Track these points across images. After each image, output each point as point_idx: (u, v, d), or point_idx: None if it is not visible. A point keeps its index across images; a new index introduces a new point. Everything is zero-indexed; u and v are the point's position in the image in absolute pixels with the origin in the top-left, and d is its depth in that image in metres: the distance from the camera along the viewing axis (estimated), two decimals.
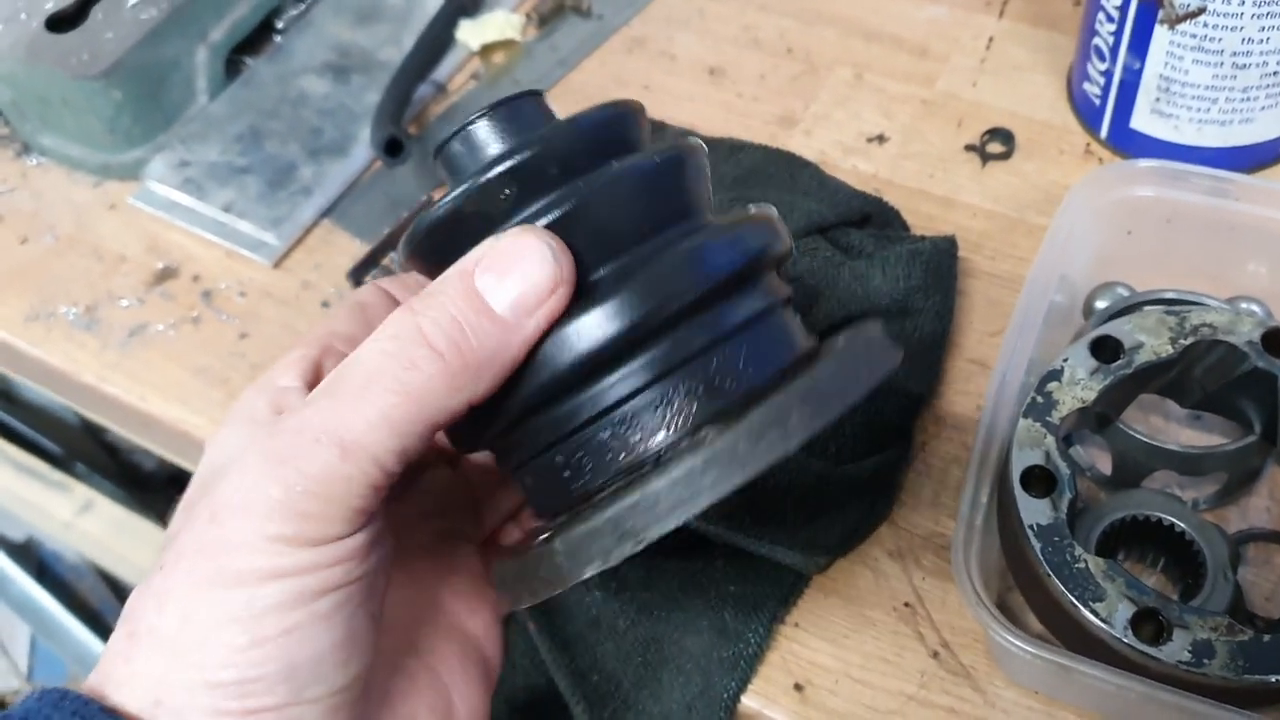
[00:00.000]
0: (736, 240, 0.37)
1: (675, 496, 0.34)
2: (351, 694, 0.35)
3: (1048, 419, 0.50)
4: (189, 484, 0.39)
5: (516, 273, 0.34)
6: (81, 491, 1.39)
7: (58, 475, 1.41)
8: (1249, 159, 0.67)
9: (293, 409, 0.35)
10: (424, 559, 0.44)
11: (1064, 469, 0.49)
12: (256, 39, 0.81)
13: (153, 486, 1.45)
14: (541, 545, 0.36)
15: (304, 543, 0.33)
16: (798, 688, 0.53)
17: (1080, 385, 0.50)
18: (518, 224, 0.36)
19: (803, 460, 0.58)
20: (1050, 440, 0.49)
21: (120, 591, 1.49)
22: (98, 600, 1.52)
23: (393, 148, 0.70)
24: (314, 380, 0.40)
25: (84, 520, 1.37)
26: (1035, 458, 0.49)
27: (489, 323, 0.34)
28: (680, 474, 0.34)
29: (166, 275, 0.72)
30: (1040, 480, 0.49)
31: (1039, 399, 0.50)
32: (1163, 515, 0.51)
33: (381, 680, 0.39)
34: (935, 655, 0.53)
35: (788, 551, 0.54)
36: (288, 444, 0.33)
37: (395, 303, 0.45)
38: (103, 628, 1.43)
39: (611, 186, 0.36)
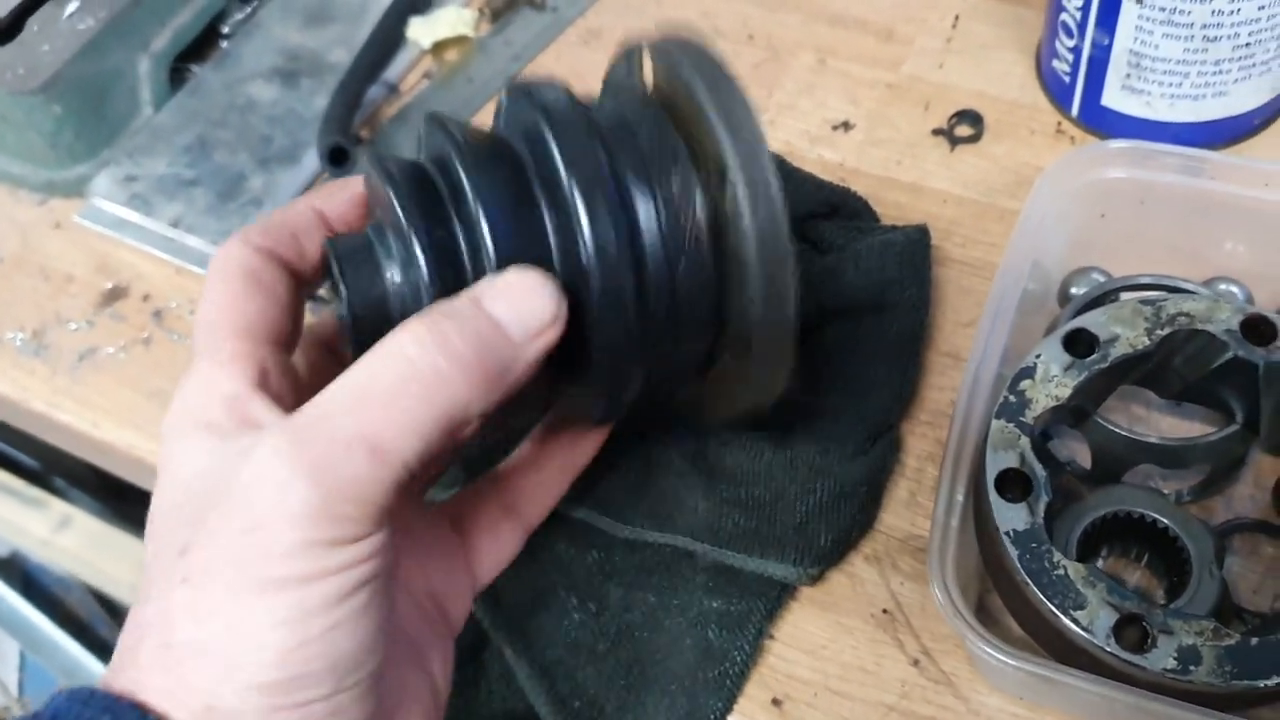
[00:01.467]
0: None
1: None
2: (379, 672, 0.38)
3: (1021, 419, 0.48)
4: (161, 505, 0.39)
5: (526, 304, 0.38)
6: (59, 507, 1.37)
7: (34, 491, 1.39)
8: (1224, 133, 0.65)
9: (313, 411, 0.36)
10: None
11: (1040, 471, 0.47)
12: (202, 45, 0.78)
13: (133, 498, 1.43)
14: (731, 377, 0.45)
15: (342, 543, 0.35)
16: (775, 703, 0.52)
17: (1054, 382, 0.49)
18: None
19: (788, 458, 0.55)
20: (1025, 441, 0.47)
21: (108, 604, 1.47)
22: (86, 613, 1.50)
23: (337, 156, 0.68)
24: (263, 382, 0.40)
25: (62, 537, 1.35)
26: (1010, 460, 0.47)
27: (504, 342, 0.38)
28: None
29: (116, 295, 0.70)
30: (1015, 483, 0.47)
31: (1011, 398, 0.48)
32: (1145, 511, 0.49)
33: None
34: (916, 663, 0.52)
35: (779, 565, 0.52)
36: (322, 452, 0.35)
37: (283, 266, 0.44)
38: (93, 640, 1.42)
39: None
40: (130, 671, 0.36)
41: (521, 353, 0.38)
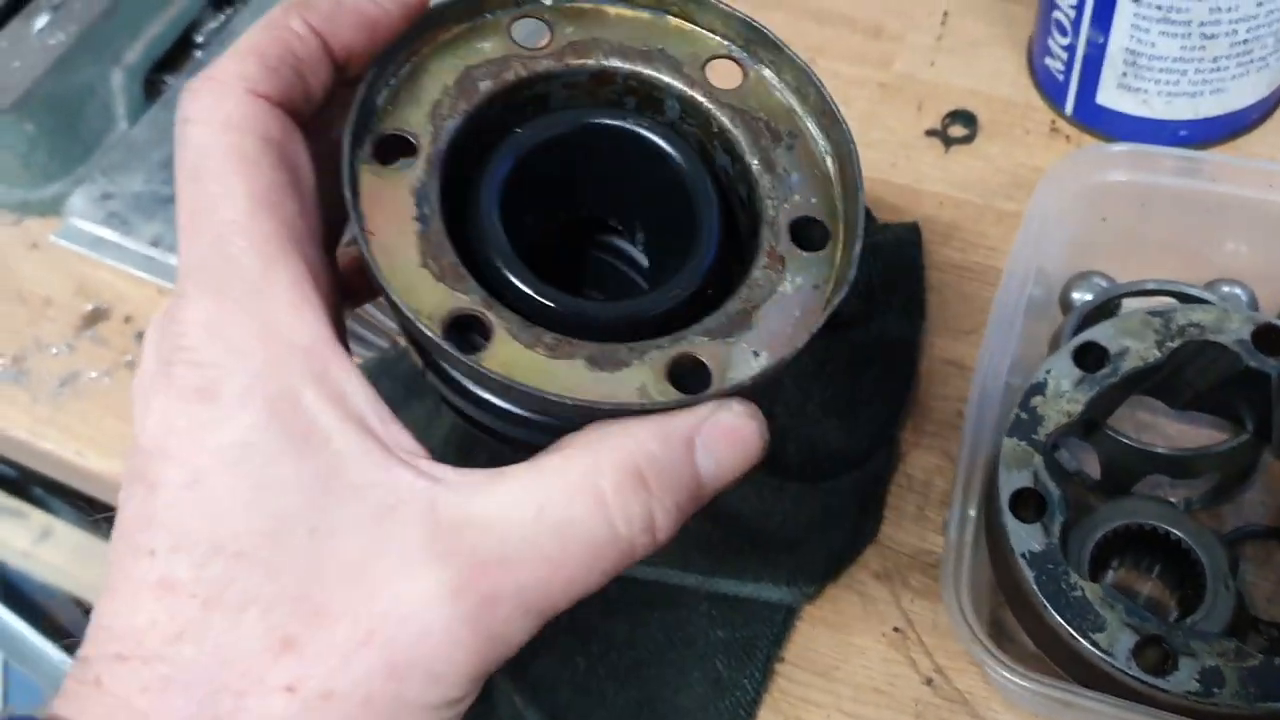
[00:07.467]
0: None
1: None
2: None
3: (1034, 436, 0.47)
4: (206, 494, 0.30)
5: (734, 464, 0.34)
6: (39, 518, 1.35)
7: (13, 502, 1.37)
8: (1220, 129, 0.64)
9: (495, 548, 0.31)
10: None
11: (1054, 490, 0.46)
12: (176, 56, 0.76)
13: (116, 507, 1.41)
14: None
15: (463, 700, 0.32)
16: None
17: (1065, 398, 0.48)
18: None
19: (779, 483, 0.55)
20: (1038, 459, 0.47)
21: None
22: (69, 620, 1.48)
23: None
24: (340, 330, 0.32)
25: (43, 548, 1.33)
26: (1023, 479, 0.46)
27: (699, 500, 0.34)
28: None
29: (97, 317, 0.68)
30: (1030, 503, 0.46)
31: (1023, 415, 0.48)
32: (1158, 524, 0.49)
33: None
34: (929, 682, 0.51)
35: (773, 587, 0.52)
36: (505, 617, 0.31)
37: (298, 123, 0.33)
38: (77, 648, 1.39)
39: None
40: None
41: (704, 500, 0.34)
